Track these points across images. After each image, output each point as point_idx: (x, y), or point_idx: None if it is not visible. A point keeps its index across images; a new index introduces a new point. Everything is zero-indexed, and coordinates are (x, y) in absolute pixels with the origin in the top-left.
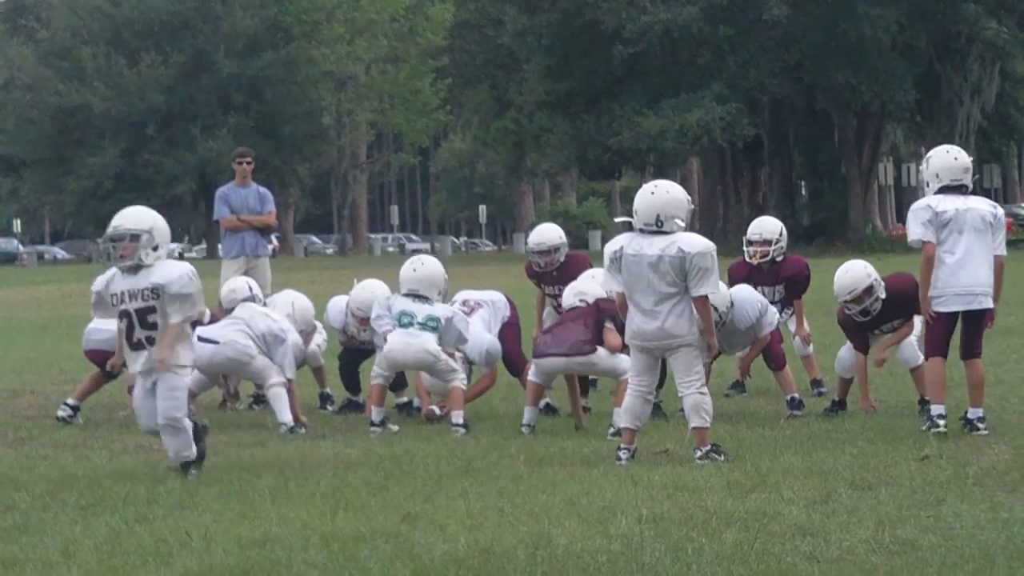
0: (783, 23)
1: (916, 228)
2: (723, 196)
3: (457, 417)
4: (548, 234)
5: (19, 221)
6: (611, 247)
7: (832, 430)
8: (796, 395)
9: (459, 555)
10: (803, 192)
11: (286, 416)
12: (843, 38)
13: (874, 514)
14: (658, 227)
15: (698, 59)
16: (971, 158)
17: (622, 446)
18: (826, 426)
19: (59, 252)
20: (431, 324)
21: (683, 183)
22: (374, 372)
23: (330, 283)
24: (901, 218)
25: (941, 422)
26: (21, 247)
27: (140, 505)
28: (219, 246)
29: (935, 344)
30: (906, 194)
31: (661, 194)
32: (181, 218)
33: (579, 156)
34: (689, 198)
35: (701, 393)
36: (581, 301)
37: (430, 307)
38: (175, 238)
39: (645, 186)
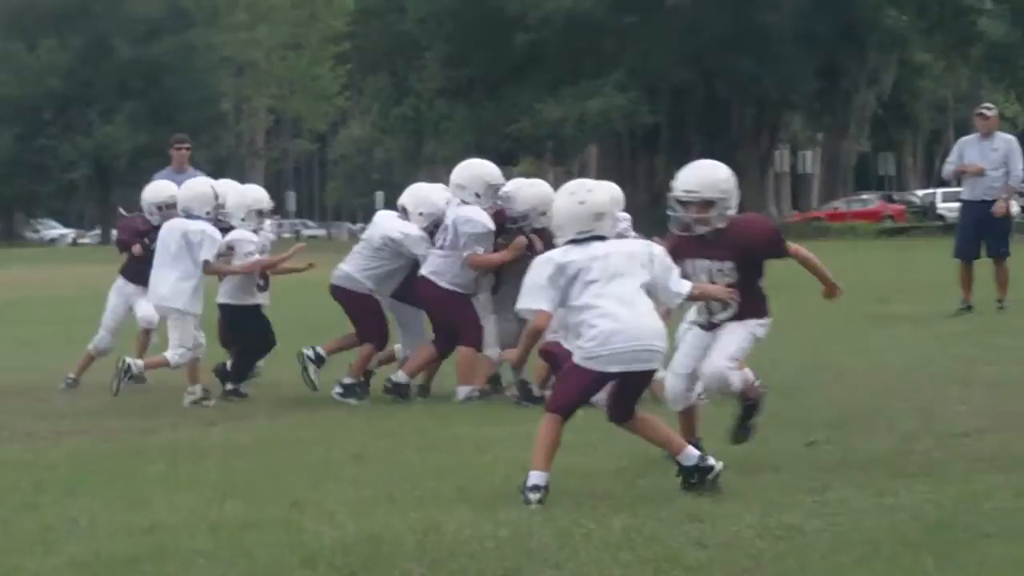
0: (686, 11)
1: None
2: (621, 184)
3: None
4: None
5: None
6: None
7: (720, 416)
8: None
9: (348, 542)
10: None
11: None
12: (745, 27)
13: (761, 499)
14: None
15: (600, 47)
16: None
17: None
18: (714, 412)
19: None
20: None
21: (582, 171)
22: None
23: None
24: (797, 205)
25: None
26: None
27: (27, 492)
28: None
29: None
30: (802, 181)
31: None
32: (75, 204)
33: (478, 143)
34: None
35: None
36: None
37: None
38: (68, 224)
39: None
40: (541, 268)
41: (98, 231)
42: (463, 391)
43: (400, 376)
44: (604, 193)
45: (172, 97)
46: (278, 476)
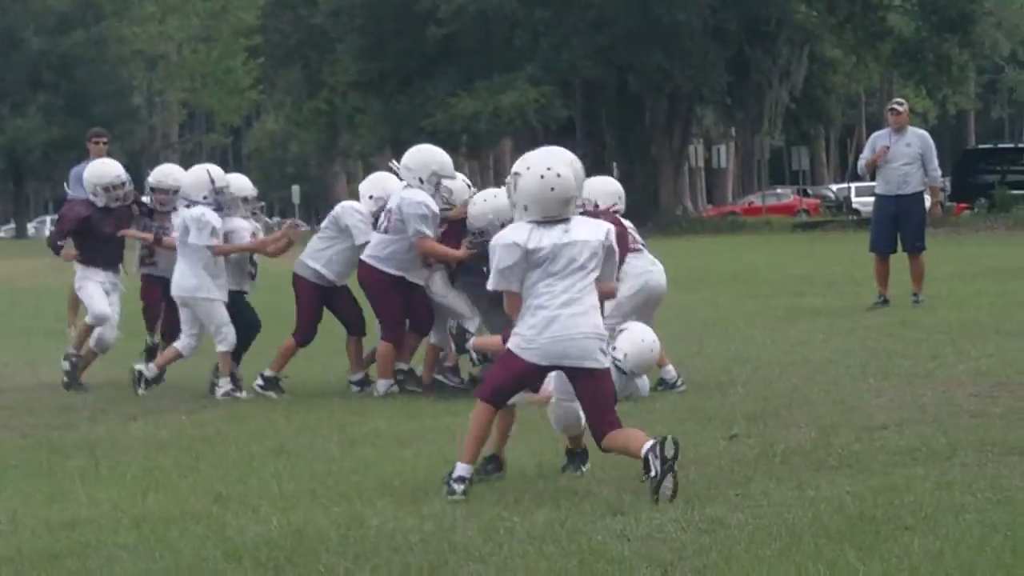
0: (596, 5)
1: None
2: None
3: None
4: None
5: None
6: None
7: (643, 411)
8: None
9: (271, 536)
10: (615, 174)
11: None
12: (656, 21)
13: (683, 492)
14: None
15: (513, 40)
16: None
17: None
18: (636, 407)
19: None
20: None
21: (496, 165)
22: None
23: None
24: (712, 200)
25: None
26: None
27: None
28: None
29: None
30: (716, 175)
31: None
32: None
33: (392, 137)
34: None
35: None
36: None
37: None
38: None
39: None
40: (510, 251)
41: (12, 225)
42: (383, 385)
43: (400, 365)
44: (571, 177)
45: (84, 90)
46: (200, 471)
